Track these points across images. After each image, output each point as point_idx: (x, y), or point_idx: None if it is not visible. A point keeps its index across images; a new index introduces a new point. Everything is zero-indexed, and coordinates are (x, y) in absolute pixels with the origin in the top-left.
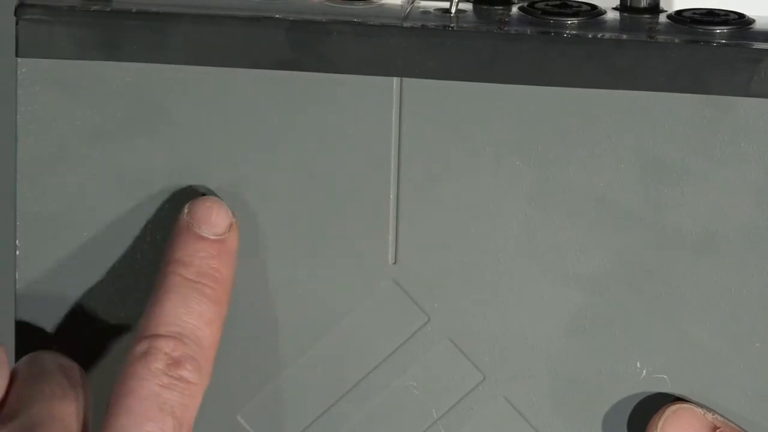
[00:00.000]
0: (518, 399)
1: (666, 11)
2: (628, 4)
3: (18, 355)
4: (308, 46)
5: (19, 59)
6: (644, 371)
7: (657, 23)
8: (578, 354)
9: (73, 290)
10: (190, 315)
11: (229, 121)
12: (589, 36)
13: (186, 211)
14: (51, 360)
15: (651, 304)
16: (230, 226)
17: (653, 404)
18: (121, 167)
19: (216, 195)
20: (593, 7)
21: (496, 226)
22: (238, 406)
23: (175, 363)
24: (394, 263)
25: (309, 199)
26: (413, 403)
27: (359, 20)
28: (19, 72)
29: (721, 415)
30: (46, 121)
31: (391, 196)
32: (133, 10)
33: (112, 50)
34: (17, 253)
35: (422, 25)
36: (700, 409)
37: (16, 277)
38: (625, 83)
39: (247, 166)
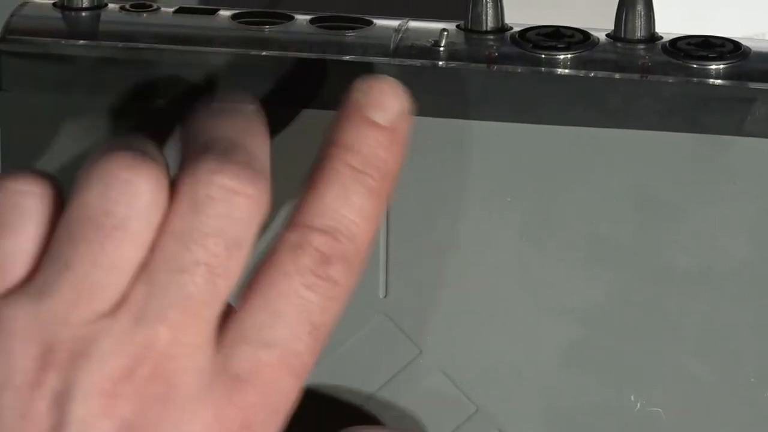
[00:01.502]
0: (512, 430)
1: (662, 38)
2: (622, 35)
3: None
4: (295, 83)
5: (2, 92)
6: (638, 404)
7: (651, 56)
8: (572, 387)
9: None
10: (350, 209)
11: None
12: (581, 74)
13: (361, 89)
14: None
15: (645, 339)
16: (403, 111)
17: None
18: None
19: None
20: (586, 36)
21: (487, 260)
22: None
23: (326, 261)
24: (385, 297)
25: None
26: None
27: (347, 58)
28: (2, 105)
29: None
30: (31, 155)
31: (381, 232)
32: (119, 45)
33: (97, 85)
34: None
35: (410, 63)
36: None
37: None
38: (618, 122)
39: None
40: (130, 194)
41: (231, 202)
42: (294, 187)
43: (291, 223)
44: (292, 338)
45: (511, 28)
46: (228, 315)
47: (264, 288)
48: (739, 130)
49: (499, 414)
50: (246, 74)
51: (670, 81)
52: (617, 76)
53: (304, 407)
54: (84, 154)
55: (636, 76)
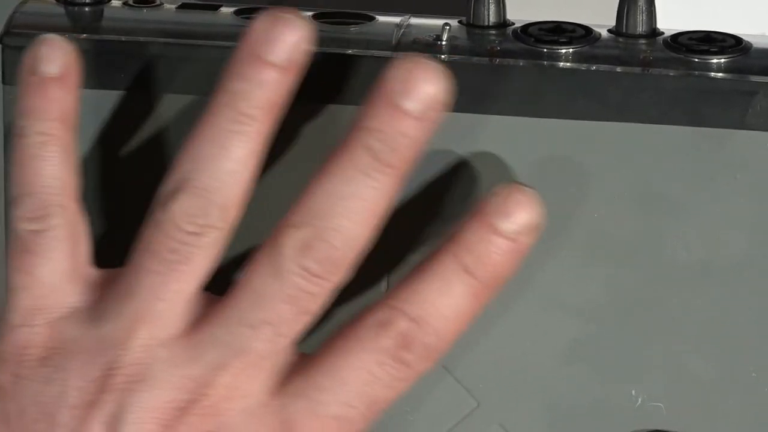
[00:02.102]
0: (514, 426)
1: (663, 33)
2: (624, 30)
3: None
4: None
5: (6, 86)
6: (639, 399)
7: (652, 51)
8: (573, 381)
9: None
10: (446, 305)
11: None
12: (583, 68)
13: (496, 193)
14: None
15: (646, 333)
16: (533, 227)
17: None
18: (110, 194)
19: None
20: (588, 31)
21: None
22: None
23: (405, 345)
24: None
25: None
26: (408, 429)
27: (350, 52)
28: (5, 99)
29: None
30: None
31: (383, 226)
32: (122, 39)
33: (100, 78)
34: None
35: None
36: None
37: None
38: (619, 115)
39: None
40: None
41: (310, 282)
42: (295, 181)
43: (385, 301)
44: (350, 407)
45: (513, 24)
46: (299, 363)
47: (338, 354)
48: (740, 123)
49: (500, 409)
50: None
51: (672, 74)
52: (619, 69)
53: None
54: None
55: (637, 70)
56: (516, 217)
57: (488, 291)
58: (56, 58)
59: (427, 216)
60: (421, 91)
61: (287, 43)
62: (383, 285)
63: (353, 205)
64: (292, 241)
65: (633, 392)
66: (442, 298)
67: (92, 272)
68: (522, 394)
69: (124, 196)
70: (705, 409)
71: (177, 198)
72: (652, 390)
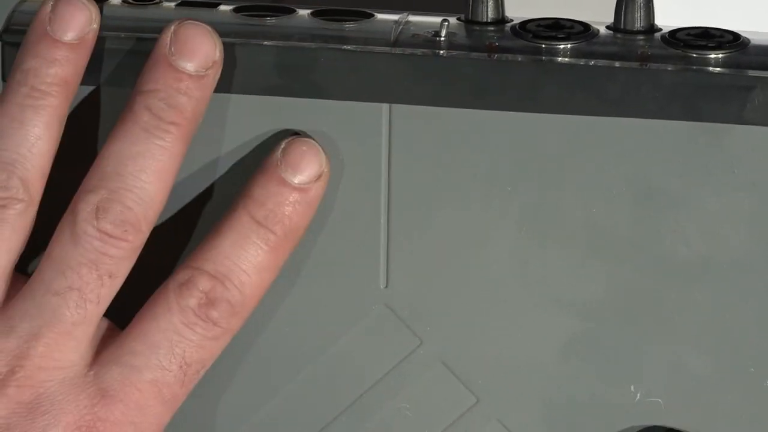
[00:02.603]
0: (512, 422)
1: (661, 29)
2: (622, 26)
3: None
4: (297, 73)
5: (5, 83)
6: (638, 395)
7: (650, 46)
8: (572, 377)
9: None
10: (244, 259)
11: (218, 147)
12: (581, 63)
13: (281, 147)
14: None
15: (644, 329)
16: (319, 176)
17: (648, 428)
18: None
19: None
20: (586, 27)
21: (488, 251)
22: (229, 430)
23: (209, 303)
24: (386, 287)
25: None
26: (406, 425)
27: (348, 47)
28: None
29: None
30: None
31: (382, 221)
32: (122, 36)
33: (99, 75)
34: None
35: (411, 52)
36: None
37: None
38: (618, 110)
39: (235, 193)
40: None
41: (107, 243)
42: None
43: (185, 263)
44: (163, 369)
45: (511, 21)
46: (113, 334)
47: (146, 319)
48: (738, 118)
49: (499, 405)
50: (246, 64)
51: (670, 69)
52: (617, 64)
53: (304, 396)
54: (83, 142)
55: (635, 65)
56: (303, 168)
57: (286, 243)
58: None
59: (425, 210)
60: (196, 50)
61: (76, 23)
62: None
63: (142, 163)
64: (86, 205)
65: (632, 388)
66: (241, 254)
67: None
68: (521, 390)
69: None
70: (704, 404)
71: None
72: (651, 385)
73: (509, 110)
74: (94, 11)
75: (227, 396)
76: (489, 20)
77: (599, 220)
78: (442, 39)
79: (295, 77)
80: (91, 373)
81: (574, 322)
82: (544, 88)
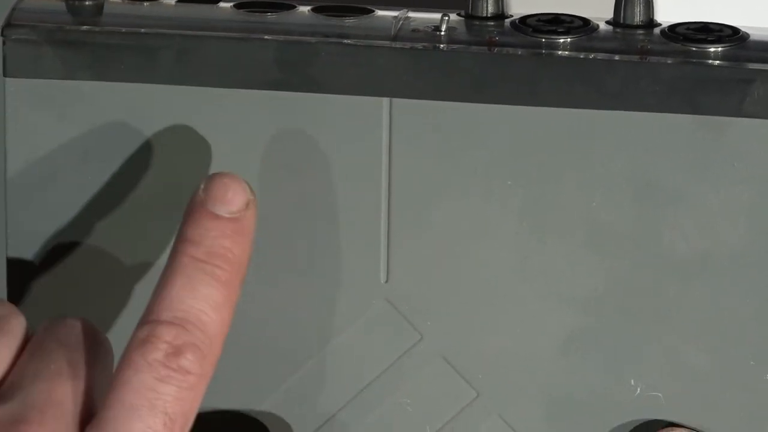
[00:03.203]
0: (513, 416)
1: (660, 24)
2: (621, 20)
3: None
4: (297, 67)
5: (7, 79)
6: (638, 389)
7: (650, 40)
8: (572, 372)
9: (64, 309)
10: (196, 299)
11: (218, 141)
12: (581, 56)
13: (201, 187)
14: (70, 330)
15: (644, 323)
16: (247, 204)
17: (648, 422)
18: (111, 186)
19: None
20: (585, 22)
21: (488, 245)
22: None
23: (176, 352)
24: (386, 282)
25: (300, 218)
26: (407, 420)
27: (348, 41)
28: (7, 92)
29: None
30: (35, 141)
31: (382, 216)
32: (122, 30)
33: (100, 70)
34: (7, 271)
35: (411, 46)
36: None
37: (6, 297)
38: (617, 104)
39: None
40: None
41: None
42: (293, 171)
43: (141, 321)
44: (148, 428)
45: (511, 16)
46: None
47: (119, 385)
48: (738, 111)
49: (499, 399)
50: (247, 59)
51: (669, 62)
52: (616, 58)
53: (305, 391)
54: (86, 139)
55: (635, 58)
56: (230, 199)
57: (233, 275)
58: (237, 202)
59: (425, 205)
60: (231, 197)
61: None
62: None
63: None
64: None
65: (632, 382)
66: (194, 294)
67: None
68: (521, 384)
69: (124, 185)
70: (703, 398)
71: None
72: (651, 379)
73: (509, 104)
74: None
75: (228, 392)
76: (489, 15)
77: (599, 214)
78: (443, 33)
79: (295, 72)
80: None
81: (574, 316)
82: (543, 82)
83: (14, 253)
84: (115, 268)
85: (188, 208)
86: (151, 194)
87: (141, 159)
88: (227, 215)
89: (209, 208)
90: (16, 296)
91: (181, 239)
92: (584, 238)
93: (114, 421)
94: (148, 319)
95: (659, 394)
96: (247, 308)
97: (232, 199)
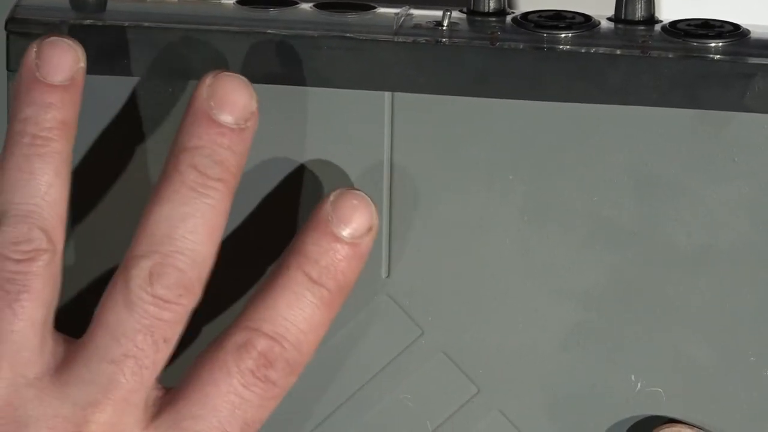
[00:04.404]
0: (513, 411)
1: (661, 21)
2: (623, 16)
3: None
4: (299, 61)
5: (10, 73)
6: (639, 384)
7: (651, 36)
8: (573, 367)
9: (64, 303)
10: (300, 318)
11: None
12: (582, 51)
13: (330, 199)
14: None
15: (645, 318)
16: (370, 229)
17: (648, 417)
18: (114, 180)
19: None
20: (587, 18)
21: (489, 240)
22: None
23: (267, 364)
24: (388, 277)
25: (301, 212)
26: (408, 415)
27: (350, 35)
28: (10, 86)
29: None
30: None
31: (384, 210)
32: (125, 25)
33: (103, 64)
34: None
35: (414, 40)
36: (691, 430)
37: None
38: (618, 98)
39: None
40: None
41: (163, 308)
42: (294, 165)
43: (240, 323)
44: (224, 431)
45: (513, 12)
46: (166, 396)
47: (204, 382)
48: (738, 105)
49: (500, 395)
50: (249, 53)
51: (670, 57)
52: (618, 52)
53: (306, 386)
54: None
55: (637, 53)
56: (354, 222)
57: (339, 298)
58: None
59: (427, 199)
60: (235, 103)
61: (64, 64)
62: None
63: (192, 224)
64: (140, 271)
65: (632, 377)
66: (296, 312)
67: None
68: (522, 379)
69: (126, 180)
70: (704, 393)
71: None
72: (652, 375)
73: (511, 98)
74: (79, 50)
75: None
76: (491, 10)
77: (600, 208)
78: (444, 28)
79: (297, 66)
80: None
81: (575, 311)
82: (545, 76)
83: None
84: (117, 262)
85: (312, 220)
86: (154, 187)
87: (144, 153)
88: (349, 239)
89: (332, 228)
90: None
91: (298, 252)
92: (585, 232)
93: (193, 419)
94: (247, 324)
95: (660, 390)
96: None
97: (356, 222)
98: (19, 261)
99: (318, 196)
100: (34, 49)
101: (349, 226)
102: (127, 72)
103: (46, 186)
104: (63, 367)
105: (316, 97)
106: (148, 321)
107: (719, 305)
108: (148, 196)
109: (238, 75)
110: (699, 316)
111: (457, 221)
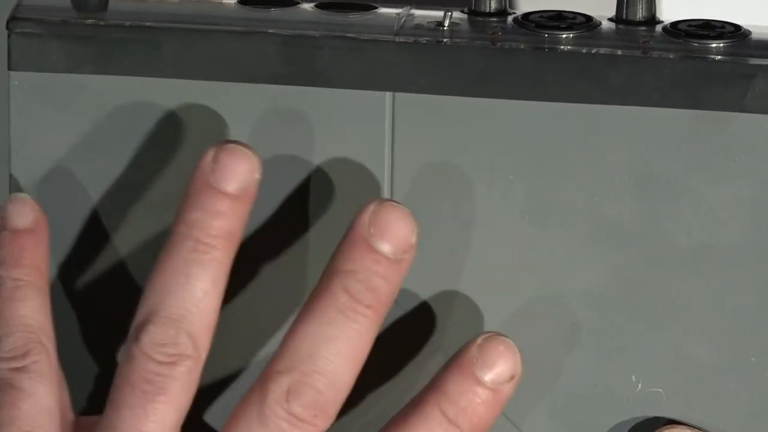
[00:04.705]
0: (514, 411)
1: (662, 21)
2: (624, 17)
3: None
4: (301, 61)
5: (12, 72)
6: (639, 385)
7: (652, 36)
8: (573, 367)
9: (66, 301)
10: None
11: (221, 135)
12: (583, 51)
13: (478, 342)
14: None
15: (646, 318)
16: (512, 377)
17: (649, 418)
18: (114, 180)
19: None
20: (588, 18)
21: (490, 239)
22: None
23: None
24: None
25: (301, 213)
26: None
27: (352, 35)
28: (11, 85)
29: None
30: (39, 134)
31: None
32: (127, 24)
33: (104, 64)
34: None
35: (415, 41)
36: (691, 431)
37: None
38: (619, 98)
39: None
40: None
41: (296, 426)
42: (295, 165)
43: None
44: None
45: (514, 13)
46: None
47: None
48: (739, 106)
49: None
50: (250, 53)
51: (671, 57)
52: (619, 52)
53: None
54: (91, 133)
55: (638, 53)
56: (498, 368)
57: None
58: (26, 213)
59: (427, 199)
60: (394, 233)
61: (239, 174)
62: None
63: (336, 347)
64: (277, 386)
65: (633, 378)
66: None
67: (73, 417)
68: (522, 379)
69: (128, 179)
70: (705, 394)
71: (147, 329)
72: (652, 375)
73: (512, 98)
74: (255, 161)
75: (229, 390)
76: (492, 11)
77: (601, 208)
78: (445, 28)
79: (298, 66)
80: None
81: (576, 311)
82: (546, 76)
83: None
84: (119, 261)
85: (456, 359)
86: (155, 188)
87: (145, 153)
88: (490, 384)
89: (476, 371)
90: None
91: (437, 389)
92: (586, 232)
93: None
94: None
95: (660, 390)
96: (247, 304)
97: (500, 368)
98: (161, 363)
99: (320, 197)
100: (212, 153)
101: (492, 371)
102: (128, 72)
103: (201, 293)
104: None
105: (317, 97)
106: None
107: (720, 305)
108: (148, 195)
109: (402, 205)
110: (700, 316)
111: (458, 221)
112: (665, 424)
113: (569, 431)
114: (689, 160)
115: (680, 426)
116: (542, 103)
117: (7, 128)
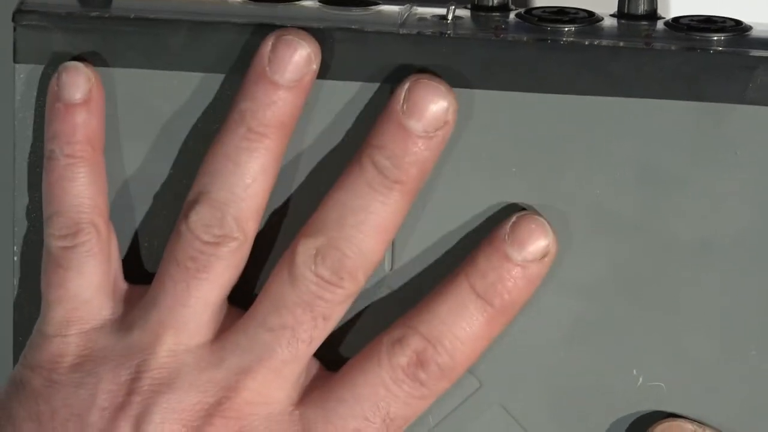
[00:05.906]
0: (515, 406)
1: (664, 18)
2: (626, 11)
3: (15, 357)
4: None
5: (17, 65)
6: (640, 379)
7: (654, 30)
8: (574, 361)
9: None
10: (458, 327)
11: None
12: (585, 43)
13: (510, 221)
14: None
15: (647, 311)
16: (545, 255)
17: (650, 412)
18: (119, 173)
19: None
20: (590, 13)
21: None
22: None
23: (419, 363)
24: (390, 270)
25: (304, 205)
26: None
27: (356, 27)
28: (17, 78)
29: (715, 429)
30: (44, 128)
31: None
32: (131, 17)
33: (109, 56)
34: (15, 258)
35: (418, 32)
36: (692, 425)
37: (15, 283)
38: (621, 90)
39: None
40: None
41: (323, 287)
42: (298, 157)
43: (401, 320)
44: (366, 421)
45: (517, 9)
46: (320, 376)
47: (356, 370)
48: (740, 98)
49: (502, 389)
50: (255, 46)
51: (673, 49)
52: (621, 44)
53: None
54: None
55: (639, 45)
56: (529, 246)
57: (502, 317)
58: (80, 85)
59: (430, 191)
60: (427, 110)
61: (293, 64)
62: None
63: (362, 216)
64: (306, 249)
65: (634, 372)
66: (456, 320)
67: (123, 286)
68: (524, 374)
69: (133, 171)
70: (706, 387)
71: (195, 210)
72: (653, 369)
73: (514, 90)
74: (314, 50)
75: None
76: (495, 5)
77: (602, 200)
78: (449, 21)
79: None
80: (296, 412)
81: (577, 305)
82: (548, 68)
83: (23, 240)
84: (126, 253)
85: (489, 237)
86: (159, 181)
87: (150, 145)
88: (520, 261)
89: (506, 248)
90: (26, 282)
91: (468, 263)
92: (588, 225)
93: (338, 401)
94: (407, 322)
95: (661, 384)
96: (253, 298)
97: (531, 246)
98: (206, 243)
99: (326, 188)
100: (270, 42)
101: (523, 249)
102: (133, 64)
103: (250, 179)
104: (225, 333)
105: (321, 89)
106: (308, 297)
107: (721, 298)
108: (153, 188)
109: (440, 82)
110: (700, 309)
111: (461, 213)
112: (665, 418)
113: (570, 424)
114: (691, 152)
115: (681, 419)
116: (544, 95)
117: (12, 121)
